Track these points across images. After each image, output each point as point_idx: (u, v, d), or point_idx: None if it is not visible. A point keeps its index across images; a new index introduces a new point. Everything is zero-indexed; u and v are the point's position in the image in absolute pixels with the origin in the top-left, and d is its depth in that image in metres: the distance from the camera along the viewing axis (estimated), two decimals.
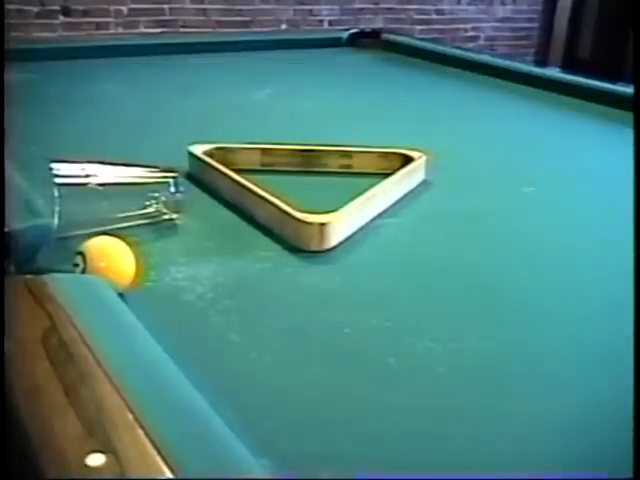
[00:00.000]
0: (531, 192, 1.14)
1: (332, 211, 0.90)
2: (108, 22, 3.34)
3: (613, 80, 1.74)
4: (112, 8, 3.33)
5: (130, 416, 0.48)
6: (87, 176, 0.91)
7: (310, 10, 3.82)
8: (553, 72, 2.00)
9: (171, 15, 3.46)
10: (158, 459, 0.43)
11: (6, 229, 0.70)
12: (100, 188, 0.91)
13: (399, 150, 1.15)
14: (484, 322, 0.76)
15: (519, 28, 4.50)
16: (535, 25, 4.55)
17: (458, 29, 4.28)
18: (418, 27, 4.09)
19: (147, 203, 0.90)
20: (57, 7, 3.21)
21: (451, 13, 4.24)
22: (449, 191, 1.12)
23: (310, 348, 0.70)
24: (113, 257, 0.75)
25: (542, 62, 4.31)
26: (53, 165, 0.88)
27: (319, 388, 0.64)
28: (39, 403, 0.50)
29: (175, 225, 0.90)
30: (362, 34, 2.37)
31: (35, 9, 3.16)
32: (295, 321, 0.75)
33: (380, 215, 0.99)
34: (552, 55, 4.56)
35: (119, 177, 0.93)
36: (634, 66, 3.81)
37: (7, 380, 0.52)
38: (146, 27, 3.40)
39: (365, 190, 0.98)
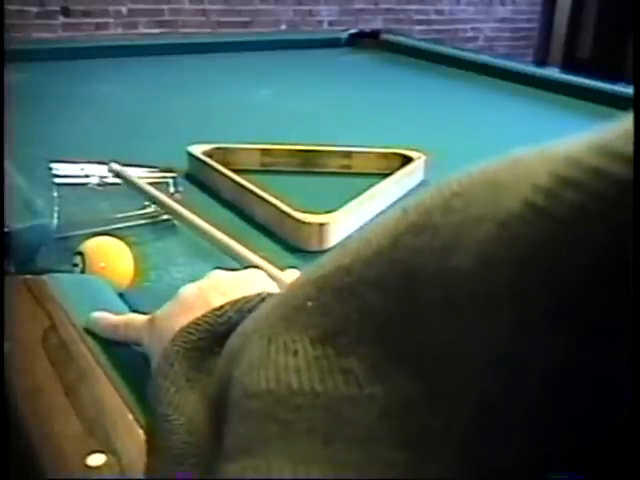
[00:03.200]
0: None
1: (331, 211, 0.90)
2: (108, 22, 3.34)
3: (613, 80, 1.74)
4: (112, 8, 3.34)
5: (130, 416, 0.48)
6: (87, 176, 0.91)
7: (309, 10, 3.82)
8: (553, 72, 2.00)
9: (170, 15, 3.47)
10: None
11: (6, 229, 0.70)
12: (99, 188, 0.92)
13: (398, 150, 1.15)
14: None
15: (518, 28, 4.51)
16: (534, 25, 4.56)
17: (457, 29, 4.29)
18: (417, 27, 4.09)
19: (146, 203, 0.90)
20: (57, 7, 3.22)
21: (450, 13, 4.25)
22: None
23: None
24: (112, 257, 0.75)
25: (542, 62, 4.32)
26: (52, 165, 0.88)
27: None
28: (39, 403, 0.50)
29: (174, 225, 0.90)
30: (361, 34, 2.37)
31: (35, 10, 3.17)
32: None
33: (379, 215, 0.99)
34: (552, 55, 4.57)
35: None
36: (634, 66, 3.82)
37: (7, 380, 0.52)
38: (146, 27, 3.41)
39: (364, 190, 0.98)
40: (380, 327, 0.23)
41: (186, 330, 0.39)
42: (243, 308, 0.39)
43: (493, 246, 0.20)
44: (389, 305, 0.23)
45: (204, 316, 0.39)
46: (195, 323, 0.39)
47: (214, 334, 0.38)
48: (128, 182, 0.91)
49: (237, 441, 0.26)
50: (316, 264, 0.27)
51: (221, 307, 0.39)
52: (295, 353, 0.25)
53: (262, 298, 0.39)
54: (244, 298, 0.40)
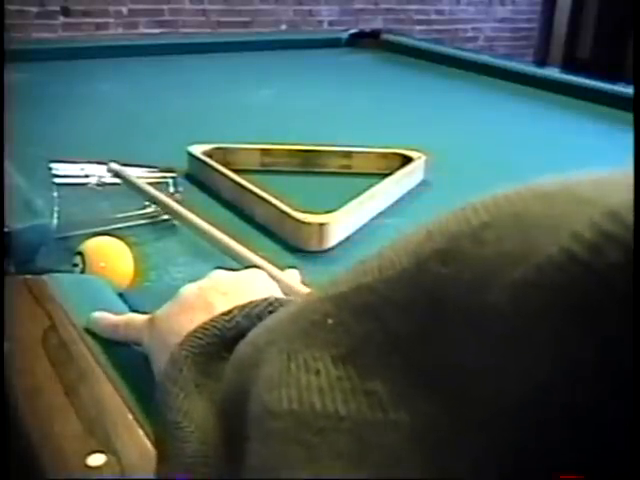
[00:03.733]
0: None
1: (331, 211, 0.90)
2: (108, 22, 3.35)
3: (613, 80, 1.74)
4: (112, 8, 3.34)
5: (130, 416, 0.48)
6: (86, 176, 0.91)
7: (310, 10, 3.82)
8: (553, 72, 2.00)
9: (170, 15, 3.47)
10: None
11: (6, 229, 0.70)
12: (99, 188, 0.92)
13: (398, 150, 1.15)
14: None
15: (519, 28, 4.51)
16: (534, 25, 4.56)
17: (458, 29, 4.29)
18: (418, 27, 4.09)
19: (146, 203, 0.90)
20: (57, 8, 3.22)
21: (451, 13, 4.25)
22: (448, 191, 1.12)
23: None
24: (112, 257, 0.75)
25: (542, 62, 4.32)
26: (52, 165, 0.88)
27: None
28: (39, 403, 0.50)
29: (174, 225, 0.90)
30: (362, 34, 2.37)
31: (35, 10, 3.17)
32: None
33: (379, 215, 0.99)
34: (552, 55, 4.57)
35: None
36: (634, 66, 3.82)
37: (7, 380, 0.52)
38: (146, 27, 3.41)
39: (364, 190, 0.98)
40: (405, 351, 0.23)
41: (194, 335, 0.38)
42: (251, 313, 0.38)
43: (531, 290, 0.20)
44: (415, 329, 0.23)
45: (212, 320, 0.39)
46: (203, 328, 0.38)
47: (222, 339, 0.37)
48: (127, 182, 0.91)
49: (260, 463, 0.26)
50: (332, 281, 0.27)
51: (229, 312, 0.39)
52: (317, 372, 0.24)
53: (269, 303, 0.39)
54: (251, 303, 0.39)
